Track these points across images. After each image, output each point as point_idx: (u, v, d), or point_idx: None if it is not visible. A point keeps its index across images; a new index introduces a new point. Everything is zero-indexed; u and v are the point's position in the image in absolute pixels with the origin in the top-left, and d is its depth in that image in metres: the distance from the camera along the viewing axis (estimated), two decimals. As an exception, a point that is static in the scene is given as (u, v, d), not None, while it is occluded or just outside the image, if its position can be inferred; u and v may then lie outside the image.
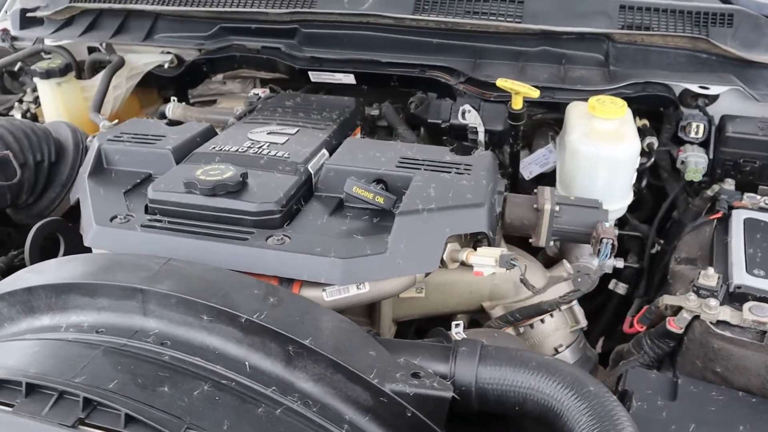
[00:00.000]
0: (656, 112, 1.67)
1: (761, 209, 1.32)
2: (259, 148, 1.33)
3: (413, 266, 1.07)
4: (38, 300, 0.97)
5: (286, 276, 1.05)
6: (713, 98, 1.59)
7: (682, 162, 1.54)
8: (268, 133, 1.42)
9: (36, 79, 1.82)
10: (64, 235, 1.34)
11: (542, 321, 1.31)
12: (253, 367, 0.88)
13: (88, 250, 1.20)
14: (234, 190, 1.14)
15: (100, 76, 1.90)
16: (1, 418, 0.74)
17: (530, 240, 1.29)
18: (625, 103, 1.38)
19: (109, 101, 1.91)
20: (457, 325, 1.08)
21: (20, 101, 1.95)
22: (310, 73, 1.76)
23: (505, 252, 1.05)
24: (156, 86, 2.04)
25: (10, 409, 0.75)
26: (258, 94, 1.73)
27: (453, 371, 0.94)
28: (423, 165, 1.24)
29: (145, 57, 1.92)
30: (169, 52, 1.91)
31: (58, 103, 1.85)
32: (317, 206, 1.22)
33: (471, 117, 1.56)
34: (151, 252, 1.07)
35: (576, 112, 1.44)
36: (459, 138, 1.61)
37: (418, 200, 1.10)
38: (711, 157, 1.54)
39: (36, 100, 1.95)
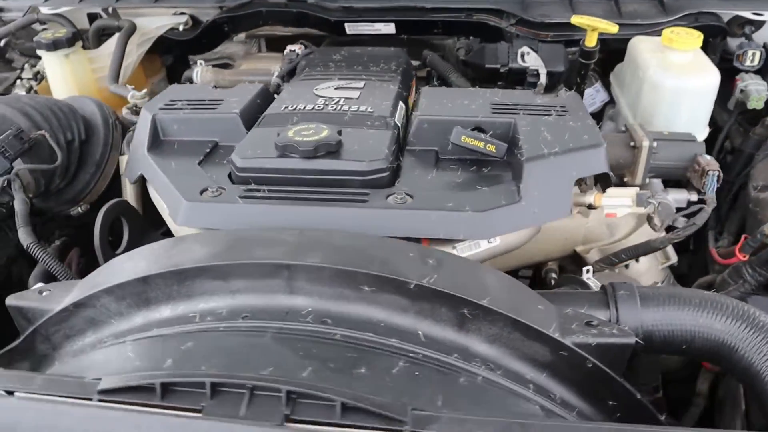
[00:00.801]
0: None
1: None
2: (336, 104, 1.23)
3: (547, 214, 1.02)
4: (155, 290, 0.87)
5: (417, 236, 0.98)
6: (759, 25, 1.58)
7: (742, 91, 1.53)
8: (335, 89, 1.32)
9: (41, 52, 1.63)
10: (128, 219, 1.22)
11: (637, 260, 1.29)
12: (427, 336, 0.82)
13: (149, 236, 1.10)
14: (335, 149, 1.05)
15: (108, 45, 1.74)
16: (189, 425, 0.65)
17: (624, 179, 1.26)
18: (701, 34, 1.34)
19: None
20: (588, 271, 1.05)
21: (20, 78, 1.76)
22: (346, 25, 1.65)
23: (641, 190, 1.01)
24: (163, 52, 1.87)
25: (198, 414, 0.66)
26: (295, 51, 1.61)
27: (616, 316, 0.91)
28: (519, 109, 1.18)
29: (156, 20, 1.76)
30: (183, 13, 1.76)
31: (67, 77, 1.67)
32: (414, 161, 1.14)
33: (531, 59, 1.49)
34: (256, 224, 0.98)
35: (645, 47, 1.40)
36: (516, 83, 1.55)
37: (541, 145, 1.04)
38: (768, 83, 1.53)
39: (36, 76, 1.76)
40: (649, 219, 1.10)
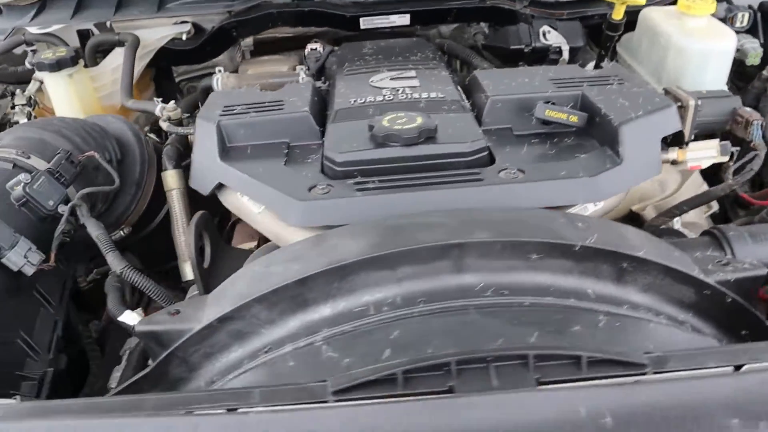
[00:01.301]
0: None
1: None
2: (403, 93, 1.24)
3: (645, 173, 1.08)
4: (314, 290, 0.85)
5: (537, 206, 1.01)
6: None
7: (739, 50, 1.67)
8: (391, 80, 1.32)
9: (43, 74, 1.52)
10: (210, 232, 1.16)
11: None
12: (596, 293, 0.85)
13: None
14: (434, 135, 1.06)
15: (108, 62, 1.64)
16: (446, 406, 0.65)
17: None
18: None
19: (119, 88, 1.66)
20: (677, 221, 1.12)
21: (13, 106, 1.62)
22: (361, 19, 1.65)
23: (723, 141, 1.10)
24: (164, 64, 1.79)
25: (449, 394, 0.66)
26: (317, 49, 1.59)
27: (732, 254, 0.98)
28: (581, 82, 1.23)
29: (156, 31, 1.68)
30: (184, 22, 1.69)
31: (72, 98, 1.56)
32: (495, 139, 1.17)
33: (552, 37, 1.56)
34: (378, 215, 0.98)
35: (659, 16, 1.50)
36: (536, 62, 1.61)
37: (625, 109, 1.10)
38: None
39: (29, 101, 1.63)
40: (725, 168, 1.19)
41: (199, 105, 1.42)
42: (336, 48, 1.59)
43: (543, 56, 1.59)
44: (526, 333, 0.71)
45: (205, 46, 1.71)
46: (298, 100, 1.25)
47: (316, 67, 1.54)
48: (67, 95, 1.56)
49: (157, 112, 1.43)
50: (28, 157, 1.17)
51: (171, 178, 1.38)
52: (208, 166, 1.17)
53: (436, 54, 1.48)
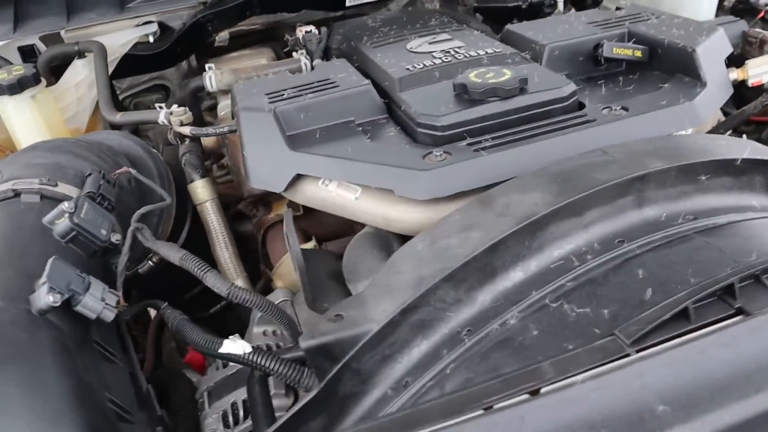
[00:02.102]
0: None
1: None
2: (458, 53, 1.17)
3: (724, 94, 1.09)
4: (503, 255, 0.76)
5: (652, 136, 0.98)
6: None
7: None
8: (430, 44, 1.25)
9: (3, 98, 1.26)
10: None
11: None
12: (761, 205, 0.84)
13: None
14: (526, 85, 1.01)
15: (68, 78, 1.41)
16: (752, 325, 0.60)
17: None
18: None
19: (86, 105, 1.44)
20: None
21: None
22: (348, -5, 1.55)
23: None
24: (128, 73, 1.57)
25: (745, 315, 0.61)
26: (311, 31, 1.47)
27: None
28: (620, 21, 1.23)
29: (119, 36, 1.46)
30: (148, 22, 1.49)
31: (38, 123, 1.31)
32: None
33: (547, -10, 1.56)
34: (507, 173, 0.91)
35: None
36: (531, 16, 1.60)
37: (688, 37, 1.11)
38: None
39: (-22, 134, 1.36)
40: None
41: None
42: (331, 29, 1.48)
43: (538, 11, 1.59)
44: (755, 246, 0.68)
45: (176, 47, 1.52)
46: (348, 75, 1.13)
47: (321, 49, 1.42)
48: (32, 120, 1.31)
49: (162, 119, 1.24)
50: (55, 185, 0.95)
51: (201, 189, 1.21)
52: (273, 160, 1.02)
53: (448, 18, 1.42)
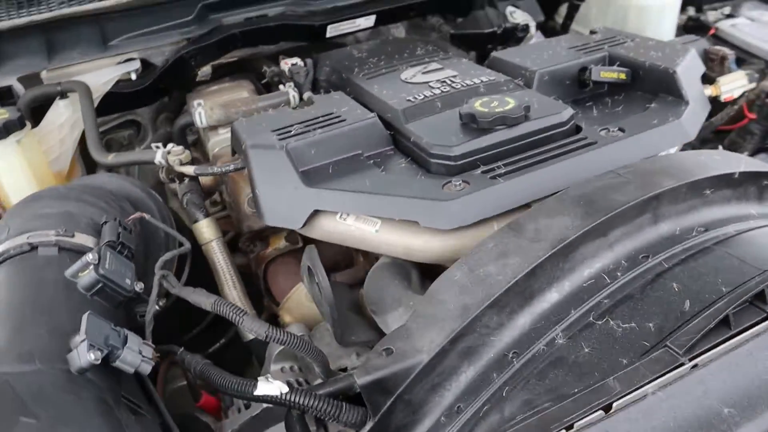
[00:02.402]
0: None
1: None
2: (453, 82, 1.22)
3: (704, 111, 1.17)
4: (540, 279, 0.80)
5: (649, 155, 1.05)
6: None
7: None
8: (423, 74, 1.29)
9: (-13, 143, 1.22)
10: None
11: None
12: (760, 213, 0.92)
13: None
14: (529, 112, 1.06)
15: (51, 120, 1.37)
16: None
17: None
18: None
19: (69, 146, 1.40)
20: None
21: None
22: (329, 27, 1.58)
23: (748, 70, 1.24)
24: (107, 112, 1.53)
25: None
26: (297, 63, 1.48)
27: None
28: (601, 45, 1.31)
29: (101, 74, 1.43)
30: (130, 59, 1.47)
31: (23, 168, 1.27)
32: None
33: (519, 15, 1.63)
34: (523, 198, 0.95)
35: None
36: (506, 41, 1.67)
37: (666, 59, 1.19)
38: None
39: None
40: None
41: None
42: (317, 60, 1.50)
43: (511, 36, 1.66)
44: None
45: (159, 83, 1.50)
46: (351, 109, 1.16)
47: (309, 81, 1.44)
48: (17, 165, 1.26)
49: (160, 159, 1.22)
50: (72, 235, 0.93)
51: (207, 228, 1.20)
52: (289, 197, 1.03)
53: (432, 47, 1.46)
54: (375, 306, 0.99)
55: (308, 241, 1.33)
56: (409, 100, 1.16)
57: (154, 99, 1.56)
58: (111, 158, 1.27)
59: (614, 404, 0.62)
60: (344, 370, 1.06)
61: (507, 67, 1.29)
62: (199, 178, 1.35)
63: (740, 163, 0.92)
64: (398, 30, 1.87)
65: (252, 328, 0.88)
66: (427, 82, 1.24)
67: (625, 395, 0.62)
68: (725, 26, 1.67)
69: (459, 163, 1.00)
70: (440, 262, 0.99)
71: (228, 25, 1.50)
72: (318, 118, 1.13)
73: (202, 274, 1.24)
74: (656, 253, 0.82)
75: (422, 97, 1.17)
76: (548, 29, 1.81)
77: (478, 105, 1.06)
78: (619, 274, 0.80)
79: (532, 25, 1.64)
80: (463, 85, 1.20)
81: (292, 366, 1.11)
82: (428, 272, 1.06)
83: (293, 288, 1.26)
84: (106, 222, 0.96)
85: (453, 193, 0.94)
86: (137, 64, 1.46)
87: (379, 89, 1.25)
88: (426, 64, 1.34)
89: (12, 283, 0.85)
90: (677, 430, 0.58)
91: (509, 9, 1.64)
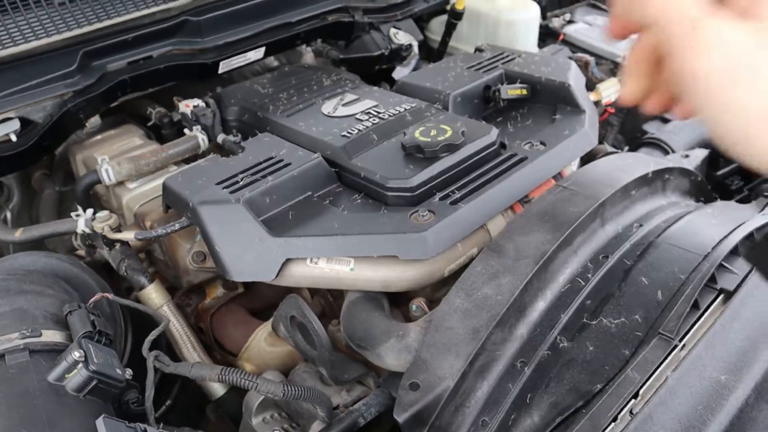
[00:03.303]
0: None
1: None
2: (378, 113, 1.27)
3: (597, 115, 1.35)
4: (528, 292, 0.90)
5: (571, 162, 1.20)
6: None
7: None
8: (344, 105, 1.32)
9: None
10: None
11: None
12: (669, 203, 1.11)
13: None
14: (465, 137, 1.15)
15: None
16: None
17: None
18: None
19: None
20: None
21: None
22: (221, 63, 1.53)
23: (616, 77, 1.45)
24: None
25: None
26: (199, 105, 1.43)
27: (673, 151, 1.35)
28: (495, 62, 1.44)
29: (-26, 139, 1.26)
30: (7, 119, 1.30)
31: None
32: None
33: (402, 36, 1.72)
34: (486, 217, 1.05)
35: (475, 2, 1.80)
36: (392, 61, 1.76)
37: (554, 72, 1.35)
38: None
39: None
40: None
41: (78, 208, 1.17)
42: (216, 98, 1.47)
43: (396, 56, 1.74)
44: (702, 239, 0.92)
45: (42, 141, 1.35)
46: (290, 150, 1.16)
47: (218, 122, 1.40)
48: None
49: (82, 228, 1.12)
50: (39, 335, 0.84)
51: (155, 293, 1.13)
52: (255, 250, 1.02)
53: (336, 75, 1.50)
54: (362, 341, 1.02)
55: (247, 285, 1.32)
56: (344, 136, 1.20)
57: (37, 159, 1.41)
58: (20, 234, 1.14)
59: (640, 392, 0.73)
60: (336, 408, 1.08)
61: (419, 92, 1.38)
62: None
63: (649, 163, 1.10)
64: (307, 56, 1.87)
65: (269, 391, 0.87)
66: (352, 115, 1.28)
67: (645, 382, 0.73)
68: (570, 31, 1.92)
69: (416, 193, 1.06)
70: (415, 288, 1.05)
71: (115, 71, 1.40)
72: (260, 164, 1.12)
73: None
74: (611, 252, 0.96)
75: (356, 131, 1.21)
76: (428, 51, 1.94)
77: (418, 135, 1.12)
78: (589, 276, 0.93)
79: (415, 44, 1.75)
80: (389, 115, 1.26)
81: (273, 414, 1.09)
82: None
83: (246, 336, 1.23)
84: (70, 312, 0.88)
85: (424, 224, 1.00)
86: (16, 125, 1.31)
87: (306, 127, 1.26)
88: (340, 95, 1.37)
89: (-12, 402, 0.75)
90: (696, 402, 0.71)
91: (392, 31, 1.72)
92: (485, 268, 0.92)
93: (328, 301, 1.23)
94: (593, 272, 0.93)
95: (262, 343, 1.21)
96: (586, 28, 1.95)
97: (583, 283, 0.92)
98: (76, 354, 0.79)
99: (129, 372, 0.85)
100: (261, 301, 1.37)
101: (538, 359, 0.86)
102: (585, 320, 0.86)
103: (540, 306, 0.91)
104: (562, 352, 0.84)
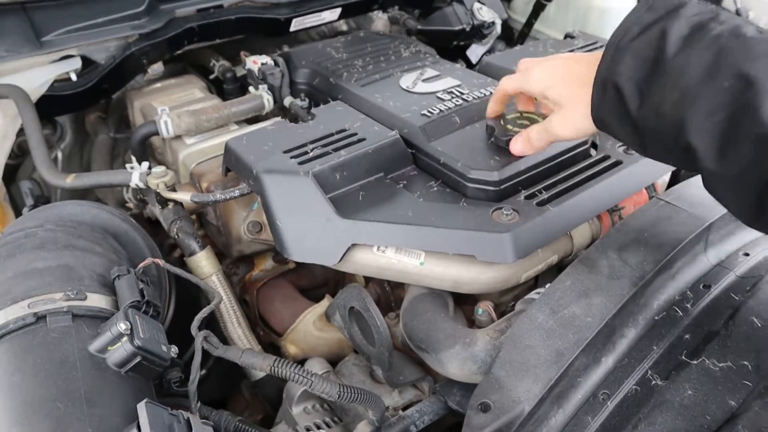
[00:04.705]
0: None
1: None
2: (461, 93, 1.17)
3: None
4: (620, 316, 0.80)
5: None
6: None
7: None
8: (424, 81, 1.22)
9: None
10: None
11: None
12: None
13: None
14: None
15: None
16: None
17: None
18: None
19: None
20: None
21: None
22: (294, 20, 1.44)
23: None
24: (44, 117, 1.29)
25: None
26: (267, 63, 1.34)
27: None
28: (591, 44, 1.32)
29: (34, 74, 1.20)
30: (69, 56, 1.24)
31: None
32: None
33: (485, 12, 1.60)
34: (570, 224, 0.95)
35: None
36: (469, 39, 1.64)
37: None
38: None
39: None
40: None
41: (133, 160, 1.10)
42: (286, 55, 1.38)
43: (477, 33, 1.62)
44: None
45: (103, 83, 1.29)
46: (365, 124, 1.07)
47: (286, 84, 1.31)
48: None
49: (137, 182, 1.06)
50: (84, 297, 0.77)
51: (206, 261, 1.07)
52: (320, 230, 0.94)
53: (414, 46, 1.39)
54: (423, 343, 0.94)
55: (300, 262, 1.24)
56: (424, 115, 1.10)
57: (95, 101, 1.35)
58: (71, 180, 1.08)
59: (754, 456, 0.63)
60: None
61: (504, 74, 1.26)
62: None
63: None
64: (378, 23, 1.76)
65: (324, 391, 0.79)
66: (433, 93, 1.17)
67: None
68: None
69: (501, 188, 0.96)
70: (488, 292, 0.96)
71: (183, 17, 1.32)
72: (332, 135, 1.04)
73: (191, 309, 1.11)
74: (714, 282, 0.85)
75: (437, 111, 1.10)
76: (505, 26, 1.81)
77: (508, 122, 1.02)
78: (688, 306, 0.82)
79: (498, 22, 1.62)
80: (473, 97, 1.15)
81: (315, 405, 1.03)
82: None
83: (294, 316, 1.16)
84: (119, 276, 0.81)
85: (507, 224, 0.90)
86: (77, 63, 1.24)
87: (383, 100, 1.16)
88: (420, 69, 1.27)
89: (25, 367, 0.69)
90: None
91: (476, 6, 1.60)
92: (574, 284, 0.82)
93: (385, 290, 1.15)
94: (692, 303, 0.82)
95: (310, 326, 1.14)
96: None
97: (681, 314, 0.81)
98: (122, 326, 0.72)
99: (174, 349, 0.79)
100: (310, 279, 1.30)
101: (624, 393, 0.77)
102: (683, 357, 0.76)
103: (630, 333, 0.81)
104: (654, 390, 0.75)
